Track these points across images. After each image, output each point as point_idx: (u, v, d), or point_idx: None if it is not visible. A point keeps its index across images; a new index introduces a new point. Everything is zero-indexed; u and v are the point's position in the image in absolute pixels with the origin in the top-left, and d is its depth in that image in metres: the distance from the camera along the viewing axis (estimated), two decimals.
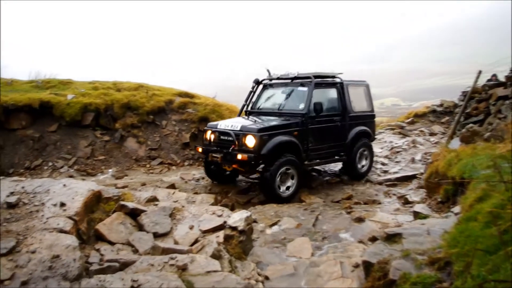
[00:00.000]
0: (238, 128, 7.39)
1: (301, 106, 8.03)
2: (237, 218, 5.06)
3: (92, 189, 4.71)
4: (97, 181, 7.58)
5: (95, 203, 4.70)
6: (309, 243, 5.15)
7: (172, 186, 7.96)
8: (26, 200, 4.35)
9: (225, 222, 4.99)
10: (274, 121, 7.90)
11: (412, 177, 8.98)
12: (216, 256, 4.08)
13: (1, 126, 9.35)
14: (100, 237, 4.29)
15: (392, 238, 4.06)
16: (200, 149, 8.16)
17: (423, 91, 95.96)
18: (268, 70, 9.23)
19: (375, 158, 10.87)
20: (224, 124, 7.84)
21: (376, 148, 11.98)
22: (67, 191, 4.50)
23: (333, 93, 8.82)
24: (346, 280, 4.01)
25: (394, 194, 8.05)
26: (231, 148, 7.29)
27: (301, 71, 8.68)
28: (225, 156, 7.35)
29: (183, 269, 3.67)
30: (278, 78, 8.99)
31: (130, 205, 4.82)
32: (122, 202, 4.83)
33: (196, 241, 4.51)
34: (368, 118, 9.54)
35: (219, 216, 5.28)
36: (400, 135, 13.86)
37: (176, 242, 4.48)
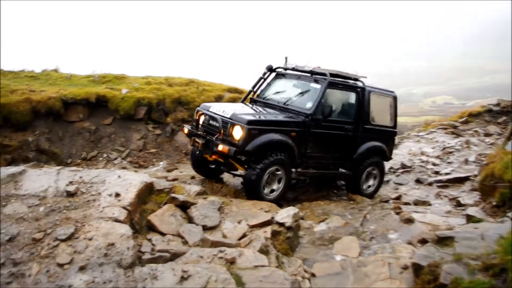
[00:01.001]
0: (228, 116, 6.34)
1: (309, 105, 6.88)
2: (285, 214, 5.09)
3: (145, 181, 4.88)
4: (148, 173, 7.77)
5: (147, 195, 4.87)
6: (357, 242, 5.09)
7: (220, 180, 8.07)
8: (83, 190, 4.56)
9: (272, 218, 5.03)
10: (271, 115, 6.88)
11: (465, 179, 8.67)
12: (263, 251, 4.12)
13: (60, 118, 9.81)
14: (152, 228, 4.43)
15: (443, 241, 3.95)
16: (185, 130, 7.13)
17: (478, 89, 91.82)
18: (286, 58, 8.15)
19: (425, 158, 10.55)
20: (217, 108, 6.80)
21: (427, 147, 11.63)
22: (122, 182, 4.68)
23: (350, 97, 7.55)
24: (394, 282, 3.94)
25: (445, 196, 7.80)
26: (215, 136, 6.37)
27: (327, 66, 7.54)
28: (207, 143, 6.37)
29: (231, 262, 3.74)
30: (292, 69, 7.83)
31: (181, 197, 4.95)
32: (173, 195, 4.97)
33: (244, 236, 4.57)
34: (386, 134, 8.07)
35: (267, 211, 5.32)
36: (453, 135, 13.34)
37: (224, 236, 4.56)
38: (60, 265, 3.38)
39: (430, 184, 8.65)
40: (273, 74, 8.22)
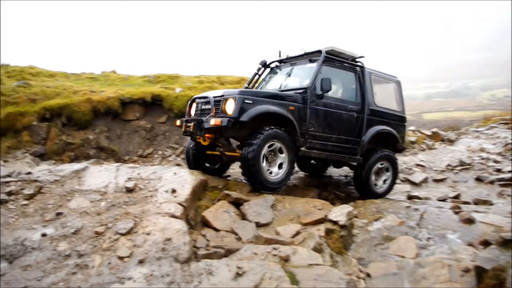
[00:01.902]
0: (220, 94, 5.84)
1: (306, 82, 6.38)
2: (338, 212, 5.02)
3: (199, 177, 4.98)
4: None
5: (202, 191, 4.97)
6: (413, 242, 4.93)
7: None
8: (141, 186, 4.72)
9: (325, 216, 4.97)
10: (267, 92, 6.46)
11: None
12: (317, 249, 4.09)
13: (118, 117, 10.24)
14: (206, 224, 4.52)
15: (509, 243, 3.76)
16: (178, 122, 6.53)
17: None
18: (279, 52, 7.57)
19: (485, 155, 10.07)
20: (209, 93, 6.35)
21: (488, 144, 11.10)
22: (177, 179, 4.81)
23: (350, 77, 7.05)
24: (454, 285, 3.78)
25: (508, 195, 7.41)
26: (207, 116, 5.81)
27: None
28: (198, 123, 5.76)
29: (285, 260, 3.73)
30: (286, 59, 7.36)
31: (234, 194, 5.01)
32: (226, 191, 5.04)
33: (297, 233, 4.55)
34: (395, 119, 7.47)
35: (320, 209, 5.27)
36: None
37: (277, 233, 4.56)
38: (121, 258, 3.52)
39: (491, 182, 8.24)
40: (268, 70, 7.75)
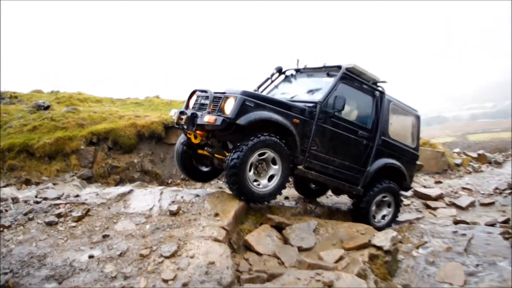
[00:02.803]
0: (222, 91, 5.36)
1: (318, 96, 5.84)
2: (382, 237, 4.91)
3: (242, 201, 5.00)
4: None
5: (244, 215, 4.98)
6: (461, 269, 4.74)
7: (314, 201, 8.03)
8: (185, 209, 4.78)
9: (369, 240, 4.88)
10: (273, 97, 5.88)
11: None
12: (361, 275, 4.00)
13: (162, 141, 10.48)
14: (248, 247, 4.51)
15: None
16: (171, 112, 5.99)
17: None
18: (298, 60, 7.16)
19: None
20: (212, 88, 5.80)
21: None
22: (220, 202, 4.85)
23: (367, 100, 6.53)
24: None
25: None
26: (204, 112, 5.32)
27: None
28: (192, 117, 5.24)
29: (329, 285, 3.67)
30: (304, 69, 6.94)
31: (276, 218, 4.99)
32: (268, 215, 5.04)
33: (340, 258, 4.47)
34: (407, 155, 6.97)
35: (363, 234, 5.18)
36: None
37: (320, 258, 4.50)
38: (165, 281, 3.55)
39: None
40: (282, 77, 7.33)
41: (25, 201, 5.97)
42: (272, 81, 7.18)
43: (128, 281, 3.59)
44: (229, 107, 4.97)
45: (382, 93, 6.56)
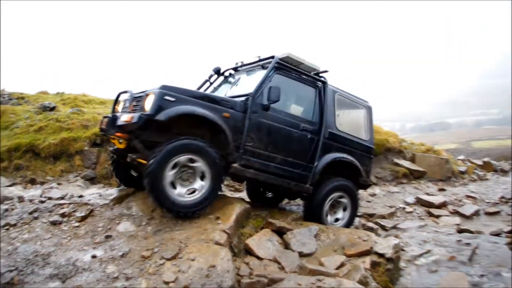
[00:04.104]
0: (143, 90, 4.95)
1: (250, 89, 5.41)
2: (385, 244, 4.91)
3: (244, 205, 5.02)
4: (243, 196, 7.99)
5: (245, 219, 5.00)
6: (465, 279, 4.72)
7: None
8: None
9: (371, 247, 4.88)
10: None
11: None
12: (362, 282, 4.01)
13: None
14: (249, 252, 4.53)
15: None
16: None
17: None
18: (236, 63, 6.71)
19: None
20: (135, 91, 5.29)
21: None
22: (222, 206, 4.88)
23: (307, 92, 6.07)
24: None
25: None
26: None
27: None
28: (112, 119, 4.76)
29: None
30: (242, 66, 6.51)
31: (277, 222, 5.01)
32: (269, 220, 5.05)
33: (341, 265, 4.48)
34: (361, 149, 6.51)
35: (365, 240, 5.17)
36: None
37: (321, 264, 4.51)
38: (166, 283, 3.58)
39: None
40: (222, 79, 6.90)
41: (30, 200, 6.03)
42: (211, 83, 6.82)
43: (129, 282, 3.62)
44: (149, 103, 4.51)
45: (324, 83, 6.14)
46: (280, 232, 4.97)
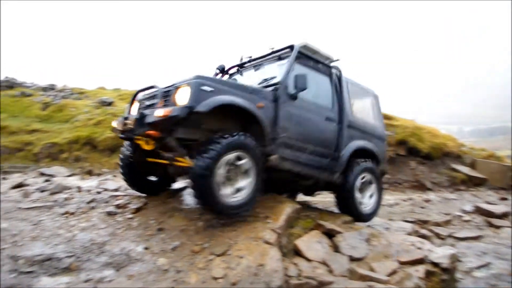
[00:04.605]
0: (171, 84, 4.53)
1: (276, 79, 5.21)
2: (440, 253, 4.72)
3: (295, 205, 4.98)
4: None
5: (295, 219, 4.95)
6: None
7: None
8: None
9: (426, 256, 4.70)
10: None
11: None
12: None
13: None
14: (298, 253, 4.47)
15: None
16: (114, 123, 4.96)
17: None
18: (241, 58, 6.40)
19: None
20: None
21: None
22: (272, 205, 4.86)
23: (324, 81, 5.91)
24: None
25: None
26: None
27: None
28: (140, 117, 4.31)
29: None
30: (249, 61, 6.19)
31: (328, 225, 4.92)
32: (319, 221, 4.97)
33: (393, 272, 4.33)
34: (376, 136, 6.50)
35: (419, 248, 4.99)
36: None
37: (371, 269, 4.38)
38: (215, 278, 3.60)
39: None
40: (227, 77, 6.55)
41: (88, 191, 6.31)
42: None
43: (179, 275, 3.68)
44: (184, 96, 4.14)
45: (340, 72, 6.08)
46: (329, 234, 4.88)
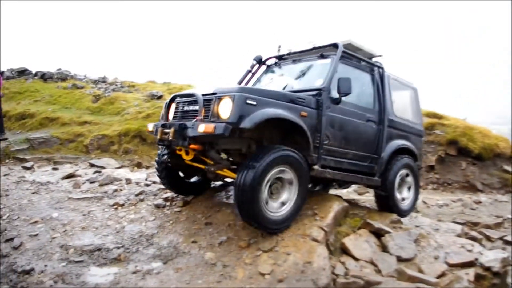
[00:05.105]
0: (211, 91, 4.32)
1: (319, 81, 4.97)
2: (492, 257, 4.53)
3: (343, 203, 4.93)
4: (340, 194, 7.85)
5: (343, 217, 4.89)
6: None
7: (414, 210, 7.66)
8: None
9: (476, 259, 4.53)
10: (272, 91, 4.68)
11: None
12: None
13: None
14: (345, 251, 4.42)
15: None
16: (150, 127, 4.97)
17: None
18: (279, 47, 6.11)
19: None
20: (194, 90, 4.77)
21: None
22: (326, 203, 4.82)
23: (367, 80, 5.70)
24: None
25: None
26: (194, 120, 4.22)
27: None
28: (180, 129, 4.21)
29: None
30: (288, 54, 5.94)
31: (376, 224, 4.83)
32: (368, 220, 4.89)
33: (442, 274, 4.22)
34: (414, 133, 6.32)
35: (469, 251, 4.83)
36: None
37: (420, 270, 4.27)
38: (262, 274, 3.63)
39: None
40: (264, 69, 6.33)
41: (137, 183, 6.47)
42: (253, 74, 6.21)
43: (226, 269, 3.73)
44: (226, 109, 3.98)
45: (382, 69, 5.81)
46: (378, 234, 4.79)
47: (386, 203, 5.75)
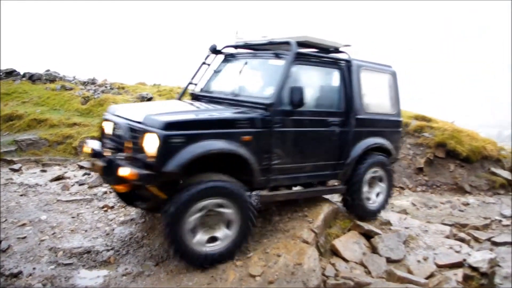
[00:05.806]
0: (139, 119, 3.85)
1: (268, 91, 4.44)
2: (479, 258, 4.61)
3: (332, 205, 4.96)
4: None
5: (333, 219, 4.93)
6: None
7: (404, 211, 7.71)
8: (274, 208, 4.85)
9: (464, 260, 4.61)
10: (209, 112, 4.41)
11: None
12: None
13: None
14: (335, 253, 4.46)
15: None
16: (88, 148, 4.48)
17: None
18: (236, 32, 5.51)
19: None
20: (128, 109, 4.42)
21: None
22: (310, 205, 4.85)
23: (331, 77, 5.11)
24: None
25: None
26: (121, 154, 3.90)
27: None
28: (108, 165, 3.86)
29: None
30: (245, 46, 5.40)
31: (365, 226, 4.88)
32: (357, 222, 4.93)
33: (431, 275, 4.27)
34: (389, 126, 5.73)
35: (457, 252, 4.90)
36: None
37: (409, 271, 4.32)
38: (252, 276, 3.63)
39: None
40: (221, 58, 5.67)
41: None
42: (209, 65, 5.59)
43: (217, 271, 3.72)
44: (151, 146, 3.56)
45: (348, 61, 5.12)
46: (367, 235, 4.84)
47: (353, 204, 5.28)
